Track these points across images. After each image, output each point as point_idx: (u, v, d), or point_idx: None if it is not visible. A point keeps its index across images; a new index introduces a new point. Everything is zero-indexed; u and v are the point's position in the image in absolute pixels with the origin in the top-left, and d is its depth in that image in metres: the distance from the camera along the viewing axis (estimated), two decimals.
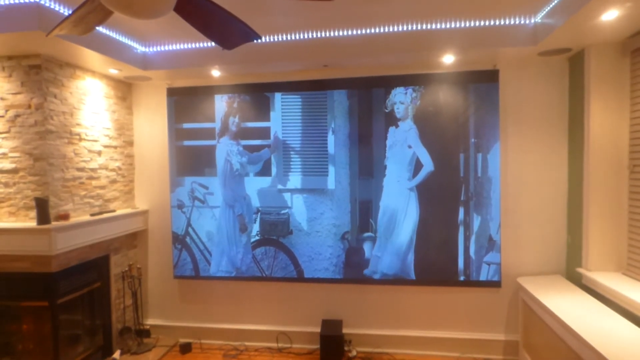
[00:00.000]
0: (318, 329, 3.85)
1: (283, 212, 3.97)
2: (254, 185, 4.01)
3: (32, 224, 3.16)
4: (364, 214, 3.85)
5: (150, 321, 4.30)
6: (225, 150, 4.03)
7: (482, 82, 3.60)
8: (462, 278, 3.71)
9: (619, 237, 3.16)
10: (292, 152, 3.94)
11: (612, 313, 2.74)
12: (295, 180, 3.94)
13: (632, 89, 3.03)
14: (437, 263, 3.74)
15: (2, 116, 3.24)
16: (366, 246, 3.86)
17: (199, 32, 2.02)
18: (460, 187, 3.69)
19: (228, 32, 2.06)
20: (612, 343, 2.30)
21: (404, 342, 3.86)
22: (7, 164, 3.25)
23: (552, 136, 3.61)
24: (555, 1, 2.82)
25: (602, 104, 3.15)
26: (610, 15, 2.57)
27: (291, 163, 3.94)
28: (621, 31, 2.86)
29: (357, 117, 3.83)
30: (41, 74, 3.19)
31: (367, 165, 3.83)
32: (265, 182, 3.99)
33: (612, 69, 3.13)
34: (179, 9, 1.78)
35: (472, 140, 3.65)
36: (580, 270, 3.28)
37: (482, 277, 3.67)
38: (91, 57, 3.34)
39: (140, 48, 3.67)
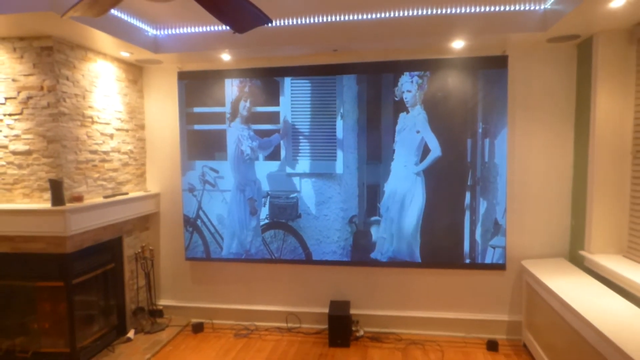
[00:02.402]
0: (326, 310, 3.94)
1: (292, 196, 4.03)
2: (264, 170, 4.05)
3: (47, 205, 3.20)
4: (372, 198, 3.92)
5: (162, 302, 4.38)
6: (236, 134, 4.07)
7: (491, 67, 3.64)
8: (467, 261, 3.80)
9: (620, 220, 3.24)
10: (300, 137, 3.98)
11: (613, 294, 2.82)
12: (304, 164, 3.99)
13: (638, 76, 3.08)
14: (443, 246, 3.82)
15: (15, 98, 3.25)
16: (373, 229, 3.94)
17: (212, 15, 2.03)
18: (467, 172, 3.76)
19: (240, 16, 2.07)
20: (612, 322, 2.37)
21: (410, 322, 3.97)
22: (20, 146, 3.27)
23: (559, 122, 3.68)
24: None
25: (608, 90, 3.21)
26: (618, 2, 2.60)
27: (300, 147, 3.99)
28: (629, 18, 2.90)
29: (366, 102, 3.87)
30: (53, 55, 3.19)
31: (375, 150, 3.88)
32: (274, 166, 4.04)
33: (619, 56, 3.18)
34: None
35: (480, 125, 3.70)
36: (583, 252, 3.38)
37: (487, 260, 3.77)
38: (102, 39, 3.34)
39: (151, 31, 3.67)
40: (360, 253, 3.97)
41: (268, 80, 3.99)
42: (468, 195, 3.77)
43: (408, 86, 3.77)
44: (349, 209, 3.96)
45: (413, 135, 3.80)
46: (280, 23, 3.54)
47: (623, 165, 3.22)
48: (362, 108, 3.88)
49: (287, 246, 4.07)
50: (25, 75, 3.23)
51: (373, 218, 3.93)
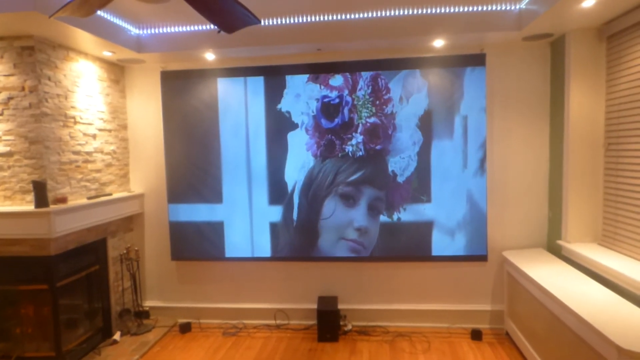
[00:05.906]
0: (314, 306, 3.97)
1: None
2: None
3: (29, 207, 3.14)
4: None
5: (148, 303, 4.34)
6: None
7: (470, 65, 3.75)
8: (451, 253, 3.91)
9: (595, 210, 3.38)
10: None
11: (589, 280, 2.95)
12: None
13: (608, 72, 3.23)
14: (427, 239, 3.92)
15: None
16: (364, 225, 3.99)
17: (202, 15, 2.05)
18: None
19: (230, 16, 2.09)
20: (590, 307, 2.48)
21: (396, 315, 4.05)
22: (0, 147, 3.21)
23: (535, 117, 3.82)
24: None
25: (580, 86, 3.34)
26: (588, 3, 2.73)
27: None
28: (598, 18, 3.04)
29: None
30: (34, 55, 3.14)
31: None
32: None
33: (590, 54, 3.32)
34: None
35: (460, 121, 3.81)
36: (560, 242, 3.51)
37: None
38: (85, 39, 3.31)
39: (134, 30, 3.65)
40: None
41: (252, 79, 4.00)
42: None
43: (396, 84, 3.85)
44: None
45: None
46: (264, 23, 3.57)
47: (596, 158, 3.35)
48: None
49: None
50: (5, 75, 3.18)
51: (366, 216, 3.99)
